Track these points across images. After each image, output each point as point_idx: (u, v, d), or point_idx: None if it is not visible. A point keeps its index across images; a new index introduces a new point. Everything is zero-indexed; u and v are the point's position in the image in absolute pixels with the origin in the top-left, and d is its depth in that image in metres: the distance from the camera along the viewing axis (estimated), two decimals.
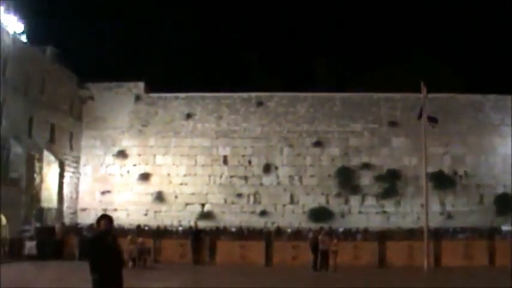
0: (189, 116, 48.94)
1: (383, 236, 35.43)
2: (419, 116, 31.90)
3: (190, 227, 39.97)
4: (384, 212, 46.26)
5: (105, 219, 11.21)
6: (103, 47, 56.98)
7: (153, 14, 64.39)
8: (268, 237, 36.30)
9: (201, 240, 35.13)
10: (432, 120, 31.88)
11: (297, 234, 37.83)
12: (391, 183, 46.34)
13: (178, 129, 48.90)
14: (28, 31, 41.79)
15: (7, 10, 39.16)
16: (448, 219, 44.88)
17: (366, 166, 46.92)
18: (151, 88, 50.02)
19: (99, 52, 55.61)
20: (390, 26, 58.58)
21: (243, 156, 48.11)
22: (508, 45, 54.81)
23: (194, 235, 35.48)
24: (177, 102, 49.46)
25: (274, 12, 66.66)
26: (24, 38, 41.40)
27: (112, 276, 10.73)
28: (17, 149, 38.89)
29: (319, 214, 45.57)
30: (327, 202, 46.73)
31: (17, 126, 39.92)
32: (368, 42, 58.44)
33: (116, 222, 39.25)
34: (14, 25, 40.02)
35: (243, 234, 38.85)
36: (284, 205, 47.09)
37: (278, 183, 47.48)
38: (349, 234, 37.67)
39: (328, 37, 61.11)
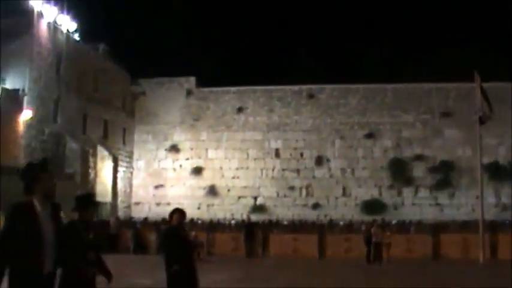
0: (240, 109, 49.09)
1: (437, 229, 34.94)
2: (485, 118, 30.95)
3: (243, 221, 40.10)
4: (438, 204, 45.67)
5: (178, 213, 11.05)
6: (154, 43, 57.46)
7: (203, 8, 64.73)
8: (321, 230, 36.18)
9: (254, 233, 35.22)
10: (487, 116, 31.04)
11: (350, 227, 37.59)
12: (445, 175, 45.70)
13: (230, 123, 49.09)
14: (81, 30, 42.50)
15: (60, 10, 39.85)
16: (503, 211, 43.96)
17: (419, 157, 46.36)
18: (202, 82, 50.28)
19: (150, 48, 56.11)
20: (442, 14, 57.67)
21: (295, 149, 48.05)
22: None
23: (247, 228, 35.59)
24: (228, 96, 49.64)
25: (324, 3, 66.31)
26: (77, 37, 42.09)
27: (188, 268, 10.76)
28: (72, 145, 39.64)
29: (372, 206, 45.25)
30: (380, 194, 46.37)
31: (71, 123, 40.70)
32: (419, 31, 57.67)
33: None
34: (68, 24, 40.73)
35: (296, 227, 38.79)
36: (336, 198, 46.90)
37: (330, 176, 47.29)
38: (402, 227, 37.25)
39: (379, 27, 60.49)
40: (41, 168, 6.44)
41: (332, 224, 39.59)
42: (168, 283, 10.72)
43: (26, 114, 36.33)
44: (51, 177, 6.47)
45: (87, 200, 8.41)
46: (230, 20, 63.55)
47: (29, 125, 36.65)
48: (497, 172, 44.53)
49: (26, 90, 36.37)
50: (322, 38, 60.13)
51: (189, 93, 50.01)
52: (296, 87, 48.89)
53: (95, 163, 41.76)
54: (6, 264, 5.79)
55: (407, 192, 46.20)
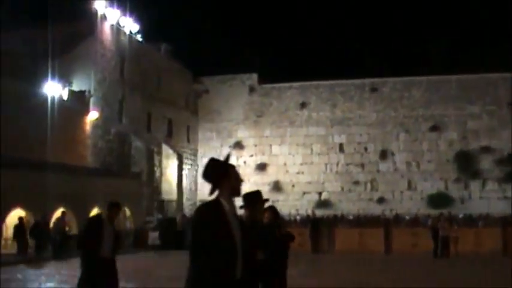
0: (303, 105, 49.04)
1: (507, 222, 34.13)
2: None
3: (308, 216, 40.04)
4: (506, 197, 44.58)
5: (269, 210, 9.69)
6: (215, 40, 57.84)
7: (264, 5, 64.85)
8: (387, 224, 35.80)
9: (319, 228, 35.10)
10: None
11: (416, 221, 37.13)
12: None
13: (293, 118, 49.09)
14: (143, 30, 43.14)
15: (123, 12, 40.52)
16: None
17: (486, 150, 45.41)
18: (264, 79, 50.39)
19: (211, 46, 56.51)
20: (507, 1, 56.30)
21: (359, 143, 47.74)
22: None
23: (312, 224, 35.51)
24: (290, 91, 49.64)
25: None
26: (139, 38, 42.72)
27: (279, 269, 9.67)
28: (137, 144, 40.28)
29: (438, 200, 44.58)
30: (446, 188, 45.64)
31: (136, 122, 41.37)
32: (483, 20, 56.46)
33: None
34: (130, 26, 41.41)
35: (361, 222, 38.52)
36: (402, 191, 46.40)
37: (395, 170, 46.81)
38: (470, 221, 36.58)
39: (442, 17, 59.50)
40: (228, 163, 6.13)
41: (398, 219, 39.18)
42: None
43: (92, 115, 37.13)
44: (238, 173, 6.18)
45: (256, 197, 8.23)
46: (291, 15, 63.50)
47: (95, 125, 37.42)
48: None
49: (92, 91, 37.15)
50: (384, 31, 59.52)
51: (251, 89, 50.22)
52: (359, 81, 48.55)
53: (160, 161, 42.35)
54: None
55: (474, 185, 45.34)
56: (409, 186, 46.40)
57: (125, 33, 40.80)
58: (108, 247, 10.60)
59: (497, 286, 17.61)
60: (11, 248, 27.11)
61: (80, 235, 8.52)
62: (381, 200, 46.23)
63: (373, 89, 48.15)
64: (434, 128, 46.42)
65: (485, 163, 45.35)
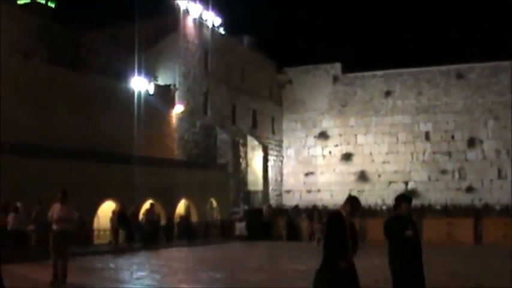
0: (388, 93, 48.46)
1: None
2: None
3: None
4: None
5: (408, 201, 9.67)
6: (298, 31, 57.78)
7: None
8: (476, 214, 34.99)
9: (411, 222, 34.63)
10: None
11: (507, 211, 36.09)
12: None
13: (377, 107, 48.59)
14: (225, 24, 43.50)
15: (205, 7, 41.01)
16: None
17: None
18: (348, 68, 50.06)
19: (294, 37, 56.50)
20: None
21: (446, 131, 46.79)
22: None
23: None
24: (374, 80, 49.14)
25: None
26: (222, 31, 43.12)
27: (413, 266, 9.53)
28: (222, 136, 40.75)
29: None
30: None
31: (221, 114, 41.83)
32: None
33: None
34: (212, 19, 41.86)
35: (449, 212, 37.79)
36: (491, 180, 45.22)
37: (484, 158, 45.65)
38: None
39: None
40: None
41: (488, 208, 38.22)
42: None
43: (178, 109, 37.73)
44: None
45: (401, 197, 9.69)
46: (372, 3, 62.81)
47: (181, 118, 38.03)
48: None
49: (177, 85, 37.76)
50: (469, 16, 58.07)
51: (335, 79, 49.98)
52: (444, 68, 47.54)
53: (246, 153, 42.69)
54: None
55: None
56: (499, 174, 45.16)
57: (207, 26, 41.25)
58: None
59: None
60: (103, 239, 27.95)
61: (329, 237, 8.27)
62: (469, 189, 45.20)
63: (459, 76, 47.06)
64: None
65: None
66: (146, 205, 29.69)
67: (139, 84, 34.74)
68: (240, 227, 35.40)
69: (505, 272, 19.09)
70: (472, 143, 45.86)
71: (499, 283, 16.88)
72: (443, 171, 46.24)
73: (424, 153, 47.15)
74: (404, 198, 9.75)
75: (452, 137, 46.56)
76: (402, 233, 9.28)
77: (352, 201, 8.98)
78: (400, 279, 9.39)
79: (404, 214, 9.50)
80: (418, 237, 9.55)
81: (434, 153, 46.82)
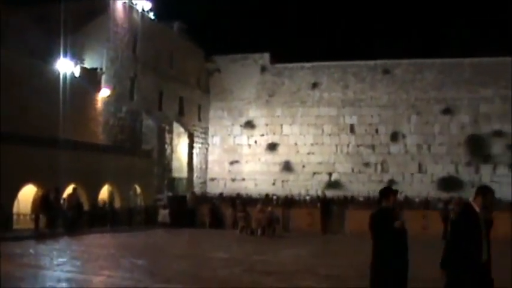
0: (315, 85, 48.91)
1: None
2: None
3: (318, 197, 40.15)
4: None
5: (394, 193, 9.52)
6: (228, 19, 57.63)
7: None
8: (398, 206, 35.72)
9: (330, 209, 35.17)
10: None
11: (426, 204, 37.03)
12: None
13: (304, 98, 48.98)
14: (155, 9, 43.00)
15: None
16: None
17: (498, 134, 45.12)
18: (276, 58, 50.23)
19: (224, 25, 56.34)
20: None
21: (370, 124, 47.59)
22: None
23: (323, 204, 35.61)
24: (302, 71, 49.50)
25: None
26: (152, 16, 42.64)
27: (403, 258, 9.39)
28: (148, 122, 40.39)
29: (449, 183, 44.46)
30: (456, 171, 45.49)
31: (148, 100, 41.43)
32: (497, 3, 55.90)
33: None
34: (143, 3, 41.33)
35: (371, 203, 38.47)
36: (412, 174, 46.29)
37: (406, 152, 46.68)
38: None
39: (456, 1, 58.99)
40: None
41: (408, 201, 39.09)
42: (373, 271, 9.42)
43: (104, 93, 37.15)
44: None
45: (389, 189, 9.83)
46: None
47: (107, 102, 37.47)
48: None
49: (104, 69, 37.15)
50: (397, 12, 59.07)
51: (263, 69, 50.12)
52: (371, 63, 48.31)
53: (171, 139, 42.44)
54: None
55: (485, 169, 45.12)
56: (420, 168, 46.26)
57: (137, 10, 40.71)
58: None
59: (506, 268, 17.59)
60: (23, 224, 27.32)
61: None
62: (391, 182, 46.02)
63: (386, 71, 47.91)
64: (446, 111, 46.14)
65: (497, 147, 45.09)
66: (69, 190, 29.19)
67: (65, 67, 33.96)
68: (164, 213, 35.21)
69: (422, 262, 19.60)
70: (395, 137, 46.81)
71: (416, 272, 17.30)
72: (367, 164, 47.05)
73: (348, 146, 47.82)
74: (392, 190, 9.71)
75: (376, 131, 47.39)
76: (392, 226, 9.10)
77: (485, 191, 8.13)
78: (389, 272, 9.14)
79: (392, 207, 9.37)
80: (406, 229, 9.40)
81: (358, 145, 47.55)
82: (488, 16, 53.44)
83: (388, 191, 9.54)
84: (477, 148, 45.25)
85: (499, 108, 45.47)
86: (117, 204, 34.65)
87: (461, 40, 50.45)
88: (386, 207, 9.31)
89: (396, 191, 9.69)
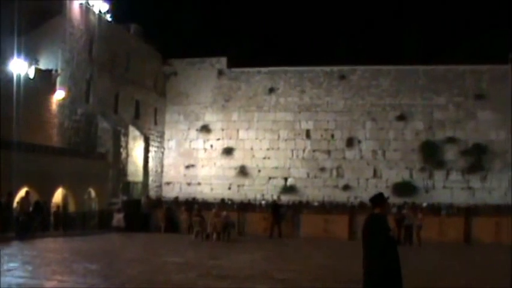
0: (271, 90, 49.03)
1: (469, 212, 34.72)
2: None
3: (274, 201, 40.49)
4: (469, 187, 45.14)
5: (387, 200, 10.07)
6: (186, 23, 57.44)
7: None
8: (352, 211, 36.14)
9: (280, 213, 35.28)
10: None
11: None
12: (477, 158, 45.16)
13: (261, 103, 49.06)
14: (113, 10, 42.62)
15: None
16: None
17: (451, 140, 45.88)
18: (233, 63, 50.22)
19: (182, 28, 56.11)
20: None
21: (326, 130, 47.89)
22: None
23: (272, 209, 35.79)
24: (259, 76, 49.59)
25: None
26: (109, 17, 42.27)
27: (396, 264, 9.50)
28: (104, 125, 40.00)
29: (403, 189, 44.99)
30: (411, 176, 46.07)
31: (103, 102, 41.03)
32: (454, 13, 56.79)
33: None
34: (100, 5, 40.93)
35: (326, 208, 38.81)
36: (367, 179, 46.71)
37: (361, 157, 47.09)
38: (433, 210, 37.05)
39: (412, 8, 59.75)
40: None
41: (362, 206, 39.45)
42: (374, 277, 9.50)
43: (59, 95, 36.63)
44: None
45: (382, 196, 10.05)
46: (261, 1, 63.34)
47: (62, 105, 36.99)
48: None
49: (59, 70, 36.65)
50: (355, 19, 59.59)
51: (220, 73, 50.07)
52: (328, 68, 48.64)
53: (127, 143, 42.10)
54: None
55: (438, 175, 45.81)
56: (375, 174, 46.72)
57: (94, 12, 40.30)
58: None
59: (459, 272, 17.91)
60: None
61: None
62: (346, 187, 46.50)
63: (342, 77, 48.29)
64: (401, 117, 46.73)
65: (450, 153, 45.81)
66: (21, 193, 28.75)
67: (19, 67, 33.39)
68: (118, 217, 34.96)
69: None
70: (350, 142, 47.19)
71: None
72: (322, 169, 47.31)
73: (304, 151, 48.03)
74: (385, 197, 10.01)
75: (332, 136, 47.72)
76: (387, 232, 9.45)
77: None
78: (384, 277, 9.30)
79: (384, 213, 9.80)
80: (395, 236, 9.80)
81: (314, 151, 47.79)
82: (443, 25, 54.28)
83: (382, 198, 9.86)
84: (431, 154, 45.88)
85: (452, 115, 46.25)
86: (71, 208, 34.24)
87: (417, 48, 51.22)
88: (379, 213, 9.64)
89: (388, 198, 10.14)
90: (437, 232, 32.30)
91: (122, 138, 41.26)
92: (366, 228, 9.51)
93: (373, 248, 9.42)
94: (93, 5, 40.10)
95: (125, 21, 45.48)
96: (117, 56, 42.93)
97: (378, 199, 9.81)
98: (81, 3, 38.77)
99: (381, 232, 9.37)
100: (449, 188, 45.37)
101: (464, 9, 55.17)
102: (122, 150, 41.07)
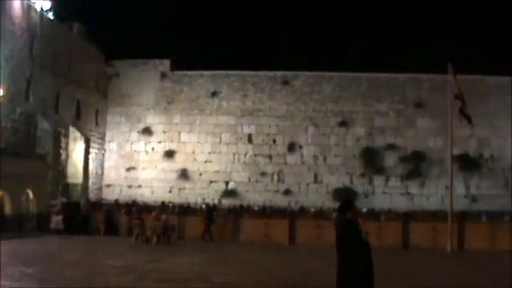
0: (214, 93, 49.02)
1: (407, 217, 35.36)
2: (456, 97, 31.44)
3: (214, 205, 40.54)
4: (408, 193, 46.04)
5: (355, 205, 10.37)
6: (130, 23, 57.02)
7: None
8: (292, 216, 36.38)
9: (213, 217, 35.28)
10: (467, 118, 31.67)
11: (321, 214, 37.79)
12: (416, 165, 46.08)
13: (203, 106, 48.99)
14: (55, 9, 42.00)
15: None
16: (472, 202, 44.54)
17: (391, 147, 46.67)
18: (177, 65, 50.03)
19: (125, 29, 55.66)
20: (419, 6, 57.86)
21: (268, 134, 48.11)
22: None
23: (206, 212, 35.84)
24: (202, 79, 49.53)
25: None
26: (51, 16, 41.65)
27: (370, 268, 9.77)
28: (44, 125, 39.31)
29: (343, 194, 45.41)
30: (351, 182, 46.65)
31: (44, 102, 40.35)
32: (398, 21, 57.76)
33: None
34: (42, 3, 40.28)
35: (267, 213, 38.97)
36: (308, 184, 47.09)
37: (302, 163, 47.45)
38: (373, 215, 37.55)
39: (356, 17, 60.55)
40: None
41: (303, 211, 39.78)
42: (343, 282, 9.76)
43: None
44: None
45: (351, 202, 10.63)
46: (207, 2, 63.37)
47: (0, 103, 36.23)
48: (467, 163, 45.10)
49: None
50: (299, 25, 60.07)
51: (163, 75, 49.81)
52: (271, 73, 48.89)
53: (67, 144, 41.47)
54: None
55: (378, 180, 46.52)
56: (316, 179, 47.12)
57: (36, 10, 39.64)
58: None
59: (398, 276, 18.21)
60: None
61: None
62: (287, 192, 46.78)
63: (285, 82, 48.58)
64: (342, 124, 47.29)
65: (390, 160, 46.59)
66: None
67: None
68: (57, 220, 34.43)
69: (318, 271, 20.00)
70: (292, 147, 47.51)
71: (311, 282, 17.67)
72: (263, 174, 47.50)
73: (245, 155, 48.14)
74: (354, 203, 10.55)
75: (274, 141, 47.95)
76: (360, 238, 9.69)
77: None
78: (358, 280, 9.53)
79: (356, 218, 9.98)
80: (369, 241, 9.90)
81: (255, 155, 47.94)
82: (386, 34, 55.16)
83: (351, 204, 10.27)
84: (371, 160, 46.56)
85: (392, 122, 47.07)
86: (8, 209, 33.55)
87: (360, 56, 52.04)
88: (351, 219, 9.87)
89: (354, 203, 10.57)
90: (376, 237, 32.65)
91: (62, 139, 40.64)
92: (340, 235, 9.71)
93: (347, 253, 9.66)
94: (34, 3, 39.44)
95: (68, 20, 44.89)
96: (59, 55, 42.29)
97: (347, 205, 10.19)
98: (22, 1, 38.09)
99: (355, 237, 9.66)
100: (388, 194, 46.15)
101: (407, 19, 56.28)
102: (61, 151, 40.44)
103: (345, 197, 44.17)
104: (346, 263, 9.66)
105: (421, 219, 35.49)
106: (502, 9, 53.15)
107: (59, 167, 39.87)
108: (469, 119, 31.76)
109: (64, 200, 38.86)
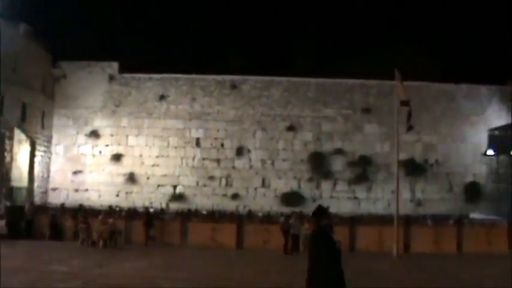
0: (162, 97, 48.78)
1: (354, 221, 35.69)
2: (403, 103, 31.85)
3: (162, 209, 40.30)
4: (355, 197, 46.62)
5: (328, 213, 10.28)
6: (78, 25, 56.40)
7: None
8: (240, 220, 36.39)
9: (152, 222, 35.06)
10: (408, 126, 32.13)
11: (269, 218, 37.92)
12: (363, 169, 46.69)
13: (151, 110, 48.71)
14: (1, 7, 41.21)
15: None
16: (418, 206, 45.41)
17: (338, 152, 47.17)
18: (125, 68, 49.62)
19: (73, 30, 55.03)
20: (368, 13, 58.67)
21: (216, 138, 48.10)
22: (481, 36, 55.26)
23: (147, 216, 35.65)
24: (150, 83, 49.24)
25: None
26: None
27: (341, 275, 9.69)
28: None
29: (291, 198, 45.78)
30: (299, 186, 46.96)
31: None
32: (346, 28, 58.47)
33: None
34: None
35: (215, 217, 38.90)
36: (256, 188, 47.22)
37: (250, 167, 47.58)
38: None
39: (305, 21, 61.05)
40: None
41: (251, 215, 39.87)
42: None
43: None
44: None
45: (324, 209, 10.22)
46: (156, 5, 63.08)
47: None
48: (413, 168, 45.91)
49: None
50: (248, 28, 60.27)
51: (111, 78, 49.35)
52: (219, 77, 48.92)
53: (11, 146, 40.76)
54: None
55: (325, 185, 46.94)
56: (263, 183, 47.30)
57: None
58: None
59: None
60: None
61: None
62: (235, 196, 46.83)
63: (233, 86, 48.65)
64: (290, 128, 47.59)
65: (337, 164, 47.07)
66: None
67: None
68: (0, 224, 33.74)
69: (265, 275, 20.07)
70: (240, 151, 47.59)
71: (259, 286, 17.71)
72: (211, 178, 47.45)
73: (193, 159, 48.03)
74: (325, 208, 10.33)
75: (222, 145, 47.96)
76: (333, 245, 9.61)
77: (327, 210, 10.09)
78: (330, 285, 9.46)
79: (329, 225, 9.90)
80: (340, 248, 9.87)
81: (203, 159, 47.88)
82: (335, 40, 55.77)
83: (324, 210, 10.10)
84: (319, 165, 46.95)
85: (340, 128, 47.59)
86: None
87: (308, 61, 52.44)
88: (324, 226, 9.79)
89: (328, 208, 11.14)
90: None
91: (7, 142, 39.92)
92: (313, 240, 9.69)
93: (319, 260, 9.59)
94: None
95: (14, 19, 44.10)
96: (4, 55, 41.53)
97: (321, 212, 10.00)
98: None
99: (328, 246, 9.61)
100: (336, 198, 46.58)
101: (356, 25, 57.01)
102: (6, 154, 39.72)
103: (293, 201, 44.61)
104: (318, 271, 9.60)
105: (367, 223, 35.88)
106: (447, 17, 54.31)
107: (2, 170, 39.16)
108: (409, 127, 32.19)
109: (8, 203, 38.13)
